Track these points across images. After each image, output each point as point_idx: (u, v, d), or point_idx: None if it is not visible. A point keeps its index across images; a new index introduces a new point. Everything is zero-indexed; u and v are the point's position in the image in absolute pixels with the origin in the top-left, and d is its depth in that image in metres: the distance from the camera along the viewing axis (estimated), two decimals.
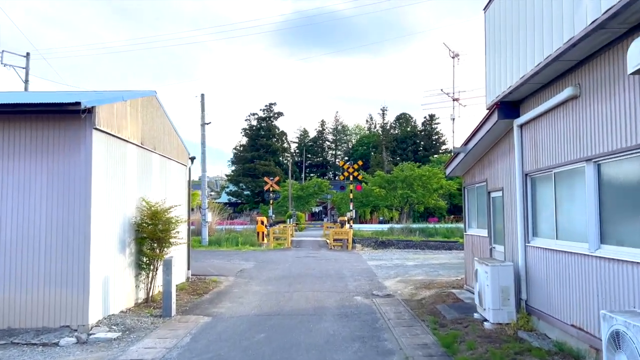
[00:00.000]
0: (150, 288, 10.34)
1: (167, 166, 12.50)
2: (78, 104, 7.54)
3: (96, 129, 8.16)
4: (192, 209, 36.38)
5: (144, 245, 10.20)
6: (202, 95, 28.39)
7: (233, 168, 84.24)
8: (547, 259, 6.99)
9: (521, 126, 7.85)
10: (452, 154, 10.88)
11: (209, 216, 28.13)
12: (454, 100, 9.72)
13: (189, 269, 14.17)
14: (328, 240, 27.64)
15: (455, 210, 61.64)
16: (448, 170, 11.72)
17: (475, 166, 10.66)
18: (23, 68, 24.23)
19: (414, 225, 33.93)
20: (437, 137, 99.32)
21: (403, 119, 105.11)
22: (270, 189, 35.63)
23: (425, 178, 47.73)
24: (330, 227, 36.66)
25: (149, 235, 9.96)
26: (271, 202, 36.62)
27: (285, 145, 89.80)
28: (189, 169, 14.42)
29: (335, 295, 11.20)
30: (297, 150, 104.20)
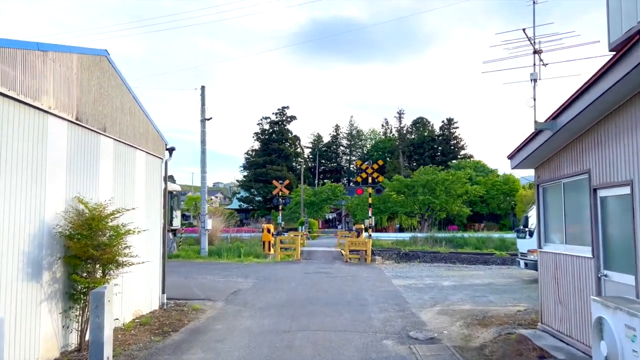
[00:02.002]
0: (86, 328, 7.08)
1: (128, 156, 9.29)
2: None
3: None
4: (193, 216, 33.30)
5: (78, 268, 6.97)
6: (203, 87, 25.35)
7: (245, 173, 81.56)
8: None
9: None
10: (528, 137, 7.46)
11: (210, 223, 24.95)
12: (535, 53, 6.98)
13: (163, 292, 10.92)
14: (343, 252, 24.25)
15: (476, 218, 57.62)
16: (516, 161, 8.29)
17: (564, 152, 7.24)
18: None
19: (439, 235, 30.34)
20: (455, 141, 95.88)
21: (420, 123, 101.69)
22: (280, 194, 32.36)
23: (449, 182, 44.05)
24: (345, 236, 33.25)
25: (78, 253, 6.72)
26: (281, 208, 33.31)
27: (299, 150, 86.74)
28: (166, 162, 11.21)
29: (355, 339, 7.81)
30: (310, 156, 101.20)
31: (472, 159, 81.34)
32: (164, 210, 11.09)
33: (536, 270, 14.09)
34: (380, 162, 22.77)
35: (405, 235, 33.33)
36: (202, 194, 25.07)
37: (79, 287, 6.95)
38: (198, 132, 25.20)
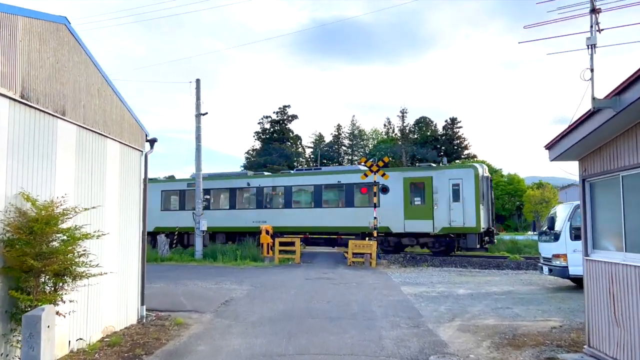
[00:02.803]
0: None
1: (97, 146, 7.92)
2: None
3: None
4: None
5: (20, 281, 5.60)
6: (198, 80, 23.95)
7: None
8: None
9: None
10: (580, 119, 6.05)
11: (205, 224, 23.54)
12: (592, 11, 5.78)
13: (142, 303, 9.54)
14: (346, 254, 22.87)
15: None
16: (558, 151, 6.87)
17: (625, 138, 5.85)
18: None
19: None
20: (459, 141, 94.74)
21: (423, 122, 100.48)
22: None
23: None
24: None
25: (13, 264, 5.34)
26: None
27: (300, 149, 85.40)
28: (146, 155, 9.83)
29: None
30: (312, 156, 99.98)
31: (475, 159, 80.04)
32: (144, 210, 9.71)
33: (563, 277, 12.70)
34: (387, 159, 21.30)
35: None
36: (197, 193, 23.67)
37: (22, 306, 5.57)
38: (195, 130, 23.81)
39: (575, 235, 12.17)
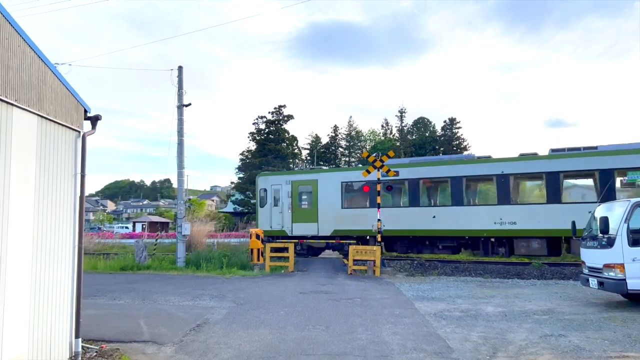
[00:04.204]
0: None
1: None
2: None
3: None
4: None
5: None
6: (180, 68, 21.51)
7: (241, 175, 77.82)
8: None
9: None
10: None
11: (189, 228, 21.05)
12: None
13: (77, 335, 7.06)
14: (346, 261, 20.46)
15: None
16: None
17: None
18: None
19: None
20: (458, 142, 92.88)
21: (421, 123, 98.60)
22: None
23: None
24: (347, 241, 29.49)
25: None
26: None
27: (296, 151, 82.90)
28: (84, 137, 7.36)
29: None
30: (308, 157, 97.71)
31: None
32: (80, 210, 7.25)
33: (619, 292, 10.28)
34: (392, 154, 18.85)
35: None
36: (179, 194, 21.21)
37: None
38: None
39: (634, 240, 9.79)
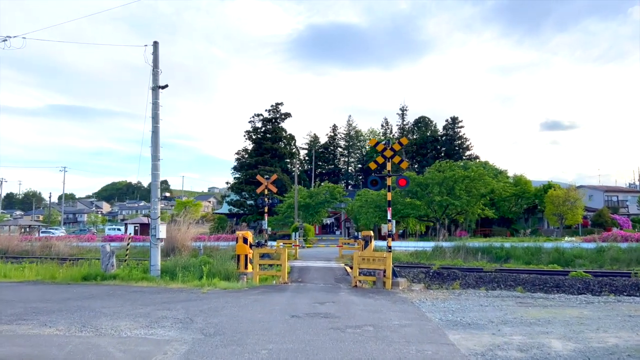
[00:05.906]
0: None
1: None
2: None
3: None
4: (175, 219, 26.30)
5: None
6: (155, 43, 18.44)
7: (237, 175, 74.75)
8: None
9: None
10: None
11: (163, 231, 17.94)
12: None
13: None
14: (349, 269, 17.40)
15: (485, 223, 50.47)
16: None
17: None
18: None
19: (473, 244, 23.40)
20: (460, 142, 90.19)
21: (422, 122, 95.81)
22: (266, 192, 25.45)
23: (469, 181, 37.26)
24: (346, 244, 26.50)
25: None
26: (266, 211, 26.31)
27: (294, 150, 79.77)
28: None
29: None
30: (306, 158, 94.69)
31: (478, 160, 74.97)
32: None
33: None
34: (405, 141, 15.75)
35: (426, 245, 26.27)
36: (153, 190, 18.08)
37: None
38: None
39: None
